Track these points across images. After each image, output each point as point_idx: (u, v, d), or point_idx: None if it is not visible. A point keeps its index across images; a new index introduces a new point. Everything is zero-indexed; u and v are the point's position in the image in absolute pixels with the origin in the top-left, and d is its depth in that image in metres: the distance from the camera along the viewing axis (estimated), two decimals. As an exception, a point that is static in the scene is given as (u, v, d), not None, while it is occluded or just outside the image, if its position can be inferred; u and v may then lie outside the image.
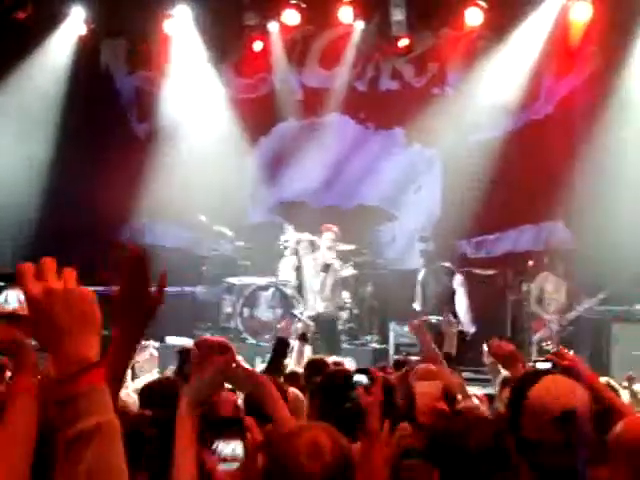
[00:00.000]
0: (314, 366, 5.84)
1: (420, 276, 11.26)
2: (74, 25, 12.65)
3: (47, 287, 1.51)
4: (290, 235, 11.51)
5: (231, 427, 2.46)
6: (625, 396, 6.16)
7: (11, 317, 1.52)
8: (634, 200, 11.62)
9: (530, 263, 10.29)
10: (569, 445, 2.34)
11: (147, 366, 7.04)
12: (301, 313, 10.67)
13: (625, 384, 6.34)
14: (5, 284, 1.45)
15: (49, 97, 12.80)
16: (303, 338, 6.95)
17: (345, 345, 10.86)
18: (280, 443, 2.38)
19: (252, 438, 2.39)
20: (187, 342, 10.69)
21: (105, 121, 12.99)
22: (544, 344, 9.86)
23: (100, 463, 1.46)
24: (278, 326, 6.59)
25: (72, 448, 1.46)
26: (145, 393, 4.39)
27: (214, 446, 2.46)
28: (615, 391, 5.66)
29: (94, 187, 12.28)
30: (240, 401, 4.42)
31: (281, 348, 6.01)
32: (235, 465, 2.43)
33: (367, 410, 3.33)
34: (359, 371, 3.99)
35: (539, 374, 2.67)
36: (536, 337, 10.06)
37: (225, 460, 2.45)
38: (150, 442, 3.51)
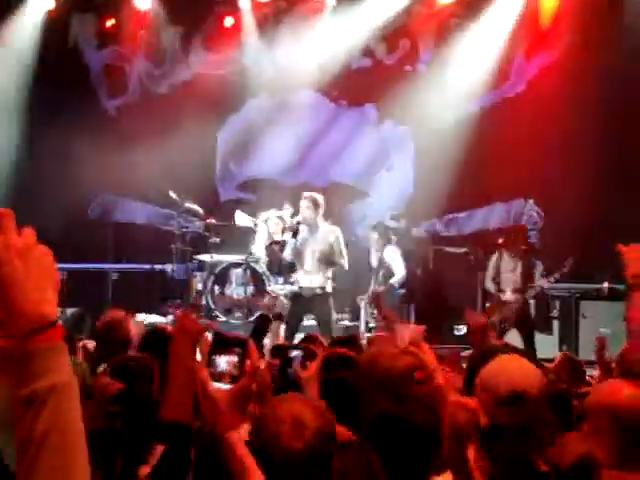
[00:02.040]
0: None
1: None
2: (42, -1, 12.50)
3: (4, 241, 1.46)
4: (243, 221, 11.47)
5: (230, 346, 2.42)
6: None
7: None
8: (606, 178, 11.71)
9: (500, 240, 10.31)
10: (517, 428, 2.30)
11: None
12: (279, 290, 10.57)
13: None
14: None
15: (17, 72, 12.65)
16: (279, 317, 6.93)
17: (314, 322, 10.57)
18: (263, 419, 2.33)
19: (251, 362, 2.35)
20: (157, 319, 10.69)
21: (75, 97, 12.85)
22: (503, 325, 9.86)
23: (57, 424, 1.41)
24: (264, 301, 6.55)
25: (28, 408, 1.41)
26: (117, 368, 4.37)
27: (211, 358, 2.42)
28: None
29: (64, 163, 12.17)
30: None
31: (262, 325, 5.99)
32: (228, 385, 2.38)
33: (304, 384, 3.37)
34: (295, 347, 4.01)
35: (494, 353, 2.64)
36: (493, 318, 10.08)
37: (221, 376, 2.40)
38: (115, 418, 3.50)
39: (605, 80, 11.81)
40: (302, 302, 9.73)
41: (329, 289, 9.68)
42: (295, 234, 9.67)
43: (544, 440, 2.37)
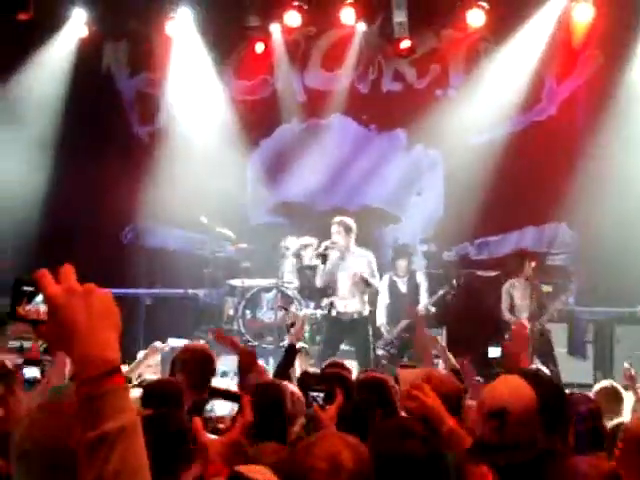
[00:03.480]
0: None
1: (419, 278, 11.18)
2: (76, 27, 12.65)
3: (67, 287, 1.52)
4: (291, 241, 11.50)
5: (226, 399, 2.47)
6: (629, 399, 6.14)
7: (35, 322, 1.53)
8: (637, 201, 11.62)
9: (533, 264, 10.25)
10: (501, 442, 2.29)
11: (149, 370, 7.04)
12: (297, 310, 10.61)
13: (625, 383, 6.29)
14: (33, 289, 1.47)
15: (51, 100, 12.79)
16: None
17: (345, 347, 10.59)
18: (297, 458, 2.30)
19: (244, 416, 2.38)
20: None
21: (107, 124, 13.00)
22: None
23: (126, 464, 1.46)
24: (290, 330, 6.58)
25: (97, 450, 1.46)
26: (146, 393, 4.39)
27: (208, 406, 2.47)
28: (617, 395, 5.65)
29: (96, 190, 12.29)
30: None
31: (290, 355, 6.07)
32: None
33: (323, 426, 3.38)
34: (315, 389, 4.02)
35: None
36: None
37: (218, 422, 2.46)
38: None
39: (634, 103, 11.75)
40: (340, 327, 9.88)
41: (366, 313, 9.77)
42: (324, 260, 9.74)
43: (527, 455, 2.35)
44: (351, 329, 9.88)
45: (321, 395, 3.76)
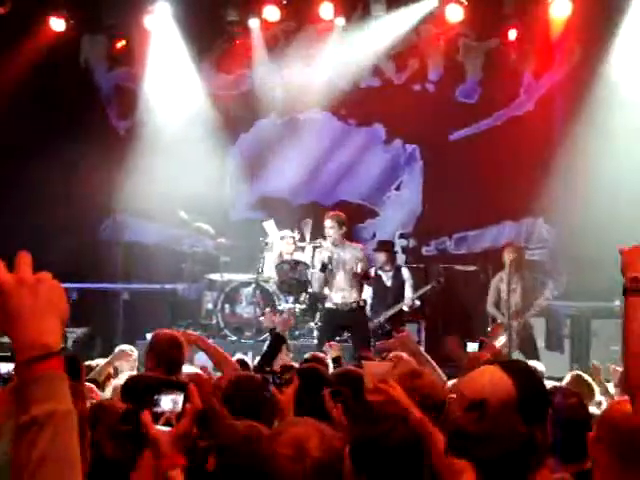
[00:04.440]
0: None
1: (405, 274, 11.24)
2: (53, 21, 12.58)
3: (17, 276, 1.54)
4: (271, 231, 11.51)
5: (172, 389, 2.47)
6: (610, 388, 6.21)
7: None
8: (614, 196, 11.70)
9: (511, 256, 10.29)
10: (481, 433, 2.31)
11: (127, 365, 7.02)
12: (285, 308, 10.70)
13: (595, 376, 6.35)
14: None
15: (28, 93, 12.71)
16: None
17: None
18: (265, 441, 2.35)
19: (192, 404, 2.39)
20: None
21: (85, 118, 12.93)
22: (504, 349, 9.81)
23: (52, 451, 1.45)
24: (278, 319, 6.56)
25: (25, 434, 1.45)
26: (126, 387, 4.38)
27: (155, 399, 2.47)
28: (588, 384, 5.72)
29: (73, 184, 12.23)
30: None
31: (277, 343, 6.04)
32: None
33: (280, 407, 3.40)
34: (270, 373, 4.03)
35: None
36: (496, 342, 10.04)
37: (162, 416, 2.45)
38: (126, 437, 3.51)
39: (613, 96, 11.82)
40: (337, 318, 10.06)
41: (362, 303, 10.08)
42: (324, 269, 9.97)
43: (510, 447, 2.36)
44: (350, 318, 10.05)
45: (278, 379, 3.79)
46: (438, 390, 3.69)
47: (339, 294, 10.05)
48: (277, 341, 6.02)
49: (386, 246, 11.41)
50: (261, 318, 10.04)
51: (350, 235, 12.30)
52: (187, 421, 2.39)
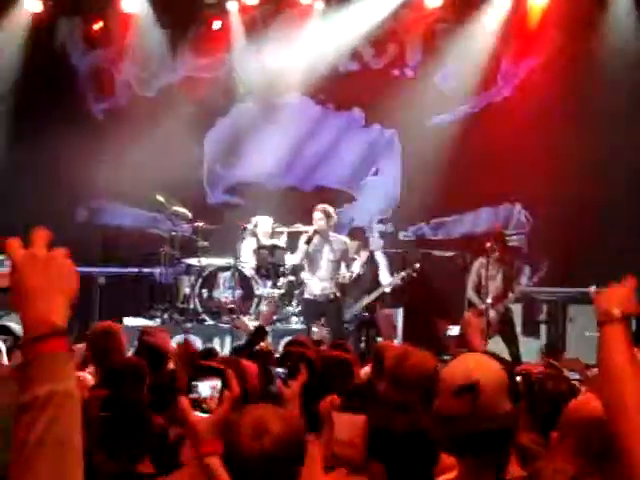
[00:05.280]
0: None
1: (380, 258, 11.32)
2: (29, 2, 12.45)
3: (30, 252, 1.53)
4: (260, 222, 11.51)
5: (209, 374, 2.49)
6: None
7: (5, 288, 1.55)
8: (592, 182, 11.76)
9: (488, 245, 10.33)
10: (472, 418, 2.33)
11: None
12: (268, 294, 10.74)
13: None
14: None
15: (3, 76, 12.60)
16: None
17: (302, 326, 10.80)
18: (230, 422, 2.40)
19: (230, 390, 2.41)
20: (145, 323, 10.65)
21: (62, 100, 12.81)
22: (487, 332, 9.89)
23: (52, 432, 1.42)
24: (262, 311, 6.63)
25: (25, 414, 1.43)
26: (109, 373, 4.37)
27: (193, 384, 2.49)
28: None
29: (49, 167, 12.13)
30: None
31: (259, 336, 6.07)
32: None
33: (285, 402, 3.44)
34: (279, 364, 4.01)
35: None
36: (450, 332, 10.09)
37: (205, 402, 2.47)
38: (104, 423, 3.49)
39: (591, 83, 11.88)
40: (316, 308, 10.38)
41: (339, 294, 10.36)
42: (309, 242, 10.28)
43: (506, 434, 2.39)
44: (326, 309, 10.36)
45: (284, 372, 3.78)
46: (428, 370, 3.70)
47: (319, 285, 10.29)
48: (259, 335, 6.06)
49: (354, 233, 11.54)
50: (262, 311, 10.22)
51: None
52: (226, 407, 2.41)
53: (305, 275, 10.48)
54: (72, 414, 1.46)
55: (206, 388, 2.47)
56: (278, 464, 2.29)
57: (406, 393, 3.51)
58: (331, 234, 10.38)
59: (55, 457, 1.42)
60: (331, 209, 10.42)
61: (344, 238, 10.63)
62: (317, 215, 10.28)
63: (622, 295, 2.41)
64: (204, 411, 2.44)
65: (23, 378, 1.45)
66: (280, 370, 3.90)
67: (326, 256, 10.30)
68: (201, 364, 2.71)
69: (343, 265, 10.42)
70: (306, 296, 10.48)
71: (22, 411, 1.43)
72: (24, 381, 1.44)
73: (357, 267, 10.66)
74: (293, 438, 2.34)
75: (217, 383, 2.46)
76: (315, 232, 10.29)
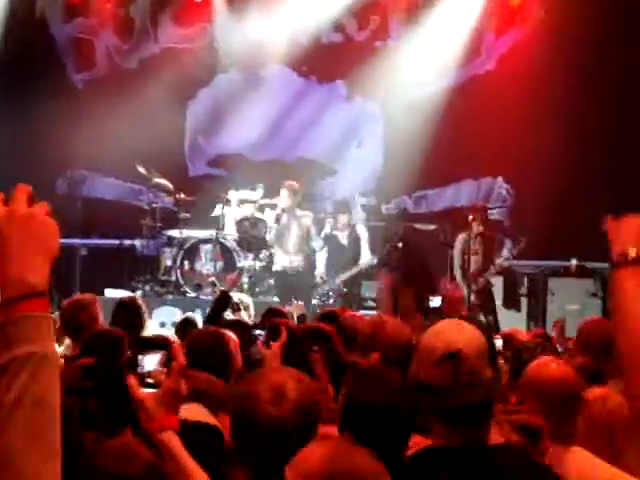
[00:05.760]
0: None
1: (360, 231, 11.33)
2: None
3: (10, 209, 1.48)
4: (231, 192, 11.51)
5: (154, 348, 2.44)
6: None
7: None
8: (575, 155, 11.80)
9: (470, 218, 10.35)
10: (455, 387, 2.32)
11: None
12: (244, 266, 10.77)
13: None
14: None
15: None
16: (237, 308, 6.97)
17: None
18: (243, 387, 2.36)
19: (176, 361, 2.37)
20: (126, 295, 10.61)
21: (41, 70, 12.68)
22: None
23: (29, 393, 1.40)
24: (227, 277, 6.57)
25: (2, 374, 1.40)
26: (88, 343, 4.35)
27: (137, 359, 2.44)
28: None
29: (29, 137, 12.03)
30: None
31: (223, 301, 6.01)
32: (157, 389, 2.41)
33: (267, 363, 3.43)
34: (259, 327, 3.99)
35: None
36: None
37: (149, 376, 2.42)
38: (85, 393, 3.48)
39: (574, 56, 11.88)
40: (286, 279, 10.67)
41: (306, 267, 10.73)
42: (278, 220, 10.70)
43: (488, 398, 2.40)
44: (296, 281, 10.64)
45: (263, 333, 3.76)
46: (403, 338, 3.70)
47: (287, 257, 10.68)
48: (222, 300, 6.01)
49: (342, 206, 11.58)
50: (228, 277, 10.24)
51: (309, 192, 12.37)
52: (173, 379, 2.36)
53: (274, 250, 10.79)
54: (50, 375, 1.43)
55: (150, 362, 2.42)
56: (297, 428, 2.26)
57: (384, 363, 3.52)
58: (298, 210, 10.69)
59: (32, 417, 1.40)
60: (297, 186, 10.72)
61: (306, 212, 10.87)
62: (284, 193, 10.65)
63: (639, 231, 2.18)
64: (149, 386, 2.38)
65: (0, 339, 1.42)
66: (259, 332, 3.88)
67: (294, 232, 10.62)
68: (145, 338, 2.68)
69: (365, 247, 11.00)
70: (275, 268, 10.77)
71: (0, 372, 1.41)
72: (2, 342, 1.41)
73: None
74: (310, 401, 2.32)
75: (157, 356, 2.41)
76: (282, 210, 10.64)
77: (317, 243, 10.89)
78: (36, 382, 1.41)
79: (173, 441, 2.32)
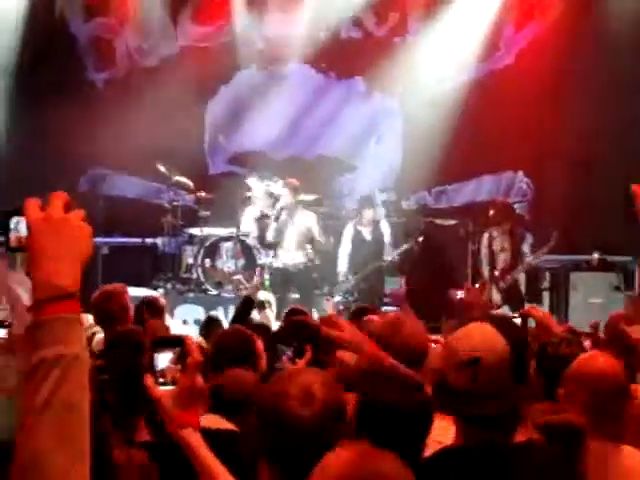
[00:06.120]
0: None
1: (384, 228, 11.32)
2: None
3: (46, 214, 1.53)
4: (254, 186, 11.51)
5: (169, 345, 2.43)
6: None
7: (16, 249, 1.55)
8: (595, 149, 11.74)
9: (491, 213, 10.32)
10: (473, 393, 2.32)
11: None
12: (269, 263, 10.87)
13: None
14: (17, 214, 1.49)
15: (3, 45, 12.51)
16: (262, 307, 7.05)
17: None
18: (271, 387, 2.36)
19: (192, 358, 2.36)
20: (148, 293, 10.66)
21: (61, 70, 12.73)
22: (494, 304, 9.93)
23: (57, 395, 1.42)
24: (250, 284, 6.66)
25: (32, 376, 1.42)
26: (111, 341, 4.39)
27: (151, 358, 2.43)
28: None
29: (51, 137, 12.08)
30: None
31: (246, 307, 6.07)
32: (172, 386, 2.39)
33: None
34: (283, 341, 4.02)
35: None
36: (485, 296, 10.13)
37: (163, 375, 2.41)
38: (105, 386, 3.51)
39: (593, 51, 11.82)
40: (287, 277, 10.79)
41: (309, 265, 10.89)
42: (277, 218, 10.87)
43: (507, 407, 2.38)
44: (297, 278, 10.83)
45: (290, 349, 3.80)
46: (419, 339, 3.69)
47: (289, 255, 10.84)
48: (245, 305, 6.05)
49: (367, 201, 11.49)
50: (252, 283, 10.40)
51: (329, 189, 12.40)
52: (190, 376, 2.35)
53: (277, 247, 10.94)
54: (79, 377, 1.45)
55: (164, 360, 2.41)
56: (328, 427, 2.27)
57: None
58: (300, 208, 10.87)
59: (61, 420, 1.42)
60: (297, 183, 10.90)
61: (309, 211, 11.00)
62: (284, 190, 10.87)
63: None
64: (165, 384, 2.37)
65: (31, 340, 1.44)
66: (285, 347, 3.92)
67: (293, 229, 10.79)
68: (160, 337, 2.67)
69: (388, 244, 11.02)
70: (276, 265, 10.89)
71: (30, 373, 1.43)
72: (32, 343, 1.43)
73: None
74: (338, 400, 2.33)
75: (170, 354, 2.39)
76: (282, 208, 10.83)
77: (325, 242, 10.92)
78: (65, 384, 1.43)
79: (193, 438, 2.31)
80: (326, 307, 6.94)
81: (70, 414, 1.43)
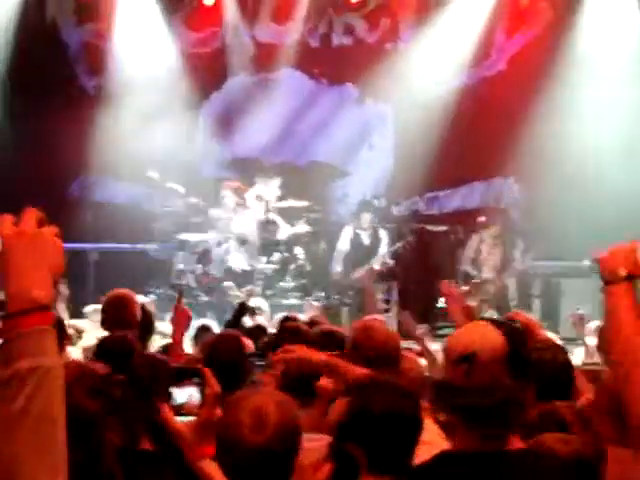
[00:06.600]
0: None
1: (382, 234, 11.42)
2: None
3: (19, 229, 1.54)
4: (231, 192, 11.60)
5: (187, 377, 2.44)
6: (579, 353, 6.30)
7: None
8: (584, 156, 11.76)
9: (482, 219, 10.35)
10: (470, 387, 2.35)
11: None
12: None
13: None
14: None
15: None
16: (254, 313, 7.09)
17: (296, 301, 10.94)
18: (225, 416, 2.35)
19: (210, 388, 2.36)
20: (139, 299, 10.63)
21: (52, 75, 12.72)
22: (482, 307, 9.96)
23: (33, 407, 1.42)
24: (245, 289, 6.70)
25: (6, 389, 1.43)
26: (101, 348, 4.38)
27: (170, 393, 2.43)
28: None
29: (41, 142, 12.07)
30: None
31: (242, 312, 6.13)
32: (191, 417, 2.41)
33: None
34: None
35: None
36: (474, 299, 10.17)
37: (181, 409, 2.43)
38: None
39: (585, 55, 11.87)
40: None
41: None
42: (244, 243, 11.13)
43: (505, 404, 2.39)
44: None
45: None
46: (391, 342, 3.70)
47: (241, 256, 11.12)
48: (241, 310, 6.11)
49: (365, 205, 11.58)
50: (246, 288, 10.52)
51: (321, 195, 12.43)
52: (209, 408, 2.36)
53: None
54: (54, 388, 1.45)
55: (183, 395, 2.42)
56: (280, 454, 2.25)
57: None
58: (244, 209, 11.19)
59: (37, 430, 1.42)
60: (237, 185, 11.43)
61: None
62: (226, 193, 11.23)
63: (627, 255, 2.47)
64: (184, 415, 2.39)
65: (4, 354, 1.45)
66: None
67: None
68: (177, 369, 2.66)
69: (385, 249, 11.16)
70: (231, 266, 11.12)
71: (4, 385, 1.43)
72: (5, 356, 1.44)
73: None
74: (292, 425, 2.30)
75: (193, 391, 2.41)
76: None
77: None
78: (40, 394, 1.43)
79: (211, 468, 2.35)
80: (306, 310, 6.95)
81: (46, 424, 1.44)
